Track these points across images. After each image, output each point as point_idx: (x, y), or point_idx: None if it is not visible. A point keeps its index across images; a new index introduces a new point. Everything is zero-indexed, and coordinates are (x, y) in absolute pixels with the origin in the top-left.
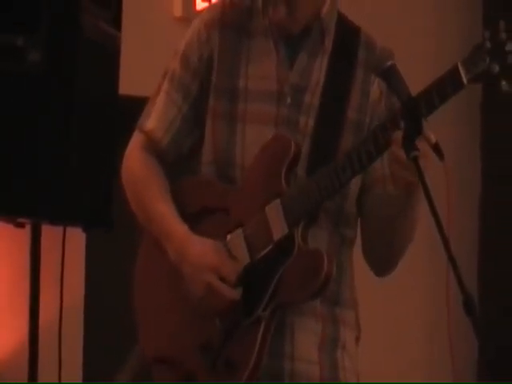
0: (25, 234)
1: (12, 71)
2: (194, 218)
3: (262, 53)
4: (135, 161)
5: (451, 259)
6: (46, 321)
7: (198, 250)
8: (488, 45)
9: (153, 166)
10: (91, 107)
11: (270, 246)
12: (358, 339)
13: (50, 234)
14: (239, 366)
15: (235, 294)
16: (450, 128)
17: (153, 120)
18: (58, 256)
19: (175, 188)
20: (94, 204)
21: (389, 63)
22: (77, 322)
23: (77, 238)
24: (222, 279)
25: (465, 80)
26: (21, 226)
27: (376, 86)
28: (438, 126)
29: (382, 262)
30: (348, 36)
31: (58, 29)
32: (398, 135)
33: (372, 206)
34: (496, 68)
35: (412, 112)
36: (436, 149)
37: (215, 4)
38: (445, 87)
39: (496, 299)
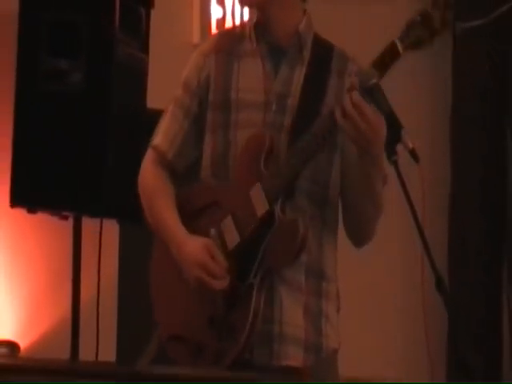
0: (68, 225)
1: (57, 90)
2: (195, 215)
3: (251, 69)
4: (147, 174)
5: (425, 245)
6: (85, 301)
7: (189, 250)
8: (418, 19)
9: (161, 178)
10: (123, 118)
11: (256, 223)
12: (338, 310)
13: (90, 225)
14: (239, 330)
15: (222, 284)
16: (424, 137)
17: (159, 137)
18: (96, 244)
19: (181, 193)
20: (127, 200)
21: (373, 81)
22: (112, 303)
23: (112, 229)
24: (210, 273)
25: (400, 50)
26: (64, 218)
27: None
28: (413, 136)
29: (357, 233)
30: (323, 50)
31: (96, 54)
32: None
33: (347, 187)
34: (426, 34)
35: (393, 123)
36: (413, 153)
37: (210, 37)
38: (384, 57)
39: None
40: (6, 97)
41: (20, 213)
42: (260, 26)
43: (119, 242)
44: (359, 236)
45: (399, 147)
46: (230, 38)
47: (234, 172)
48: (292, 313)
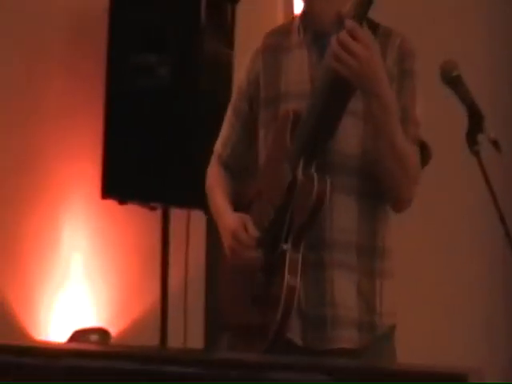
0: (156, 216)
1: (146, 85)
2: (247, 207)
3: (297, 61)
4: (210, 172)
5: (508, 236)
6: (173, 289)
7: (227, 222)
8: None
9: (219, 175)
10: (210, 112)
11: (283, 194)
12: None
13: (177, 216)
14: (278, 297)
15: (250, 253)
16: (505, 127)
17: (218, 140)
18: (184, 234)
19: (239, 188)
20: None
21: (455, 73)
22: (199, 290)
23: (199, 219)
24: (241, 243)
25: None
26: (153, 209)
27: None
28: (495, 126)
29: (387, 194)
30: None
31: (184, 49)
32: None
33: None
34: None
35: (475, 114)
36: (495, 144)
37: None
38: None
39: None
40: (97, 93)
41: (111, 204)
42: (306, 16)
43: (206, 232)
44: (391, 198)
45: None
46: (278, 35)
47: (271, 151)
48: (344, 294)
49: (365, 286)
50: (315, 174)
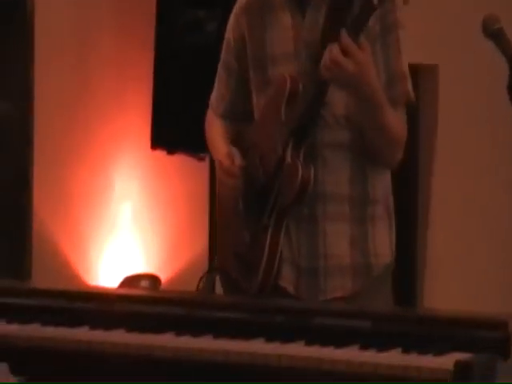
0: (204, 166)
1: (194, 40)
2: (243, 154)
3: (280, 21)
4: (207, 123)
5: None
6: None
7: (220, 151)
8: None
9: (216, 122)
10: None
11: (270, 168)
12: (391, 226)
13: None
14: (257, 267)
15: (234, 182)
16: None
17: (213, 94)
18: None
19: (239, 131)
20: None
21: (496, 26)
22: None
23: None
24: (225, 170)
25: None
26: (201, 159)
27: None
28: None
29: (376, 159)
30: None
31: (231, 4)
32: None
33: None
34: None
35: None
36: None
37: None
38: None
39: None
40: (147, 47)
41: (160, 155)
42: None
43: None
44: (375, 160)
45: None
46: None
47: (262, 117)
48: (337, 245)
49: (357, 234)
50: (300, 164)
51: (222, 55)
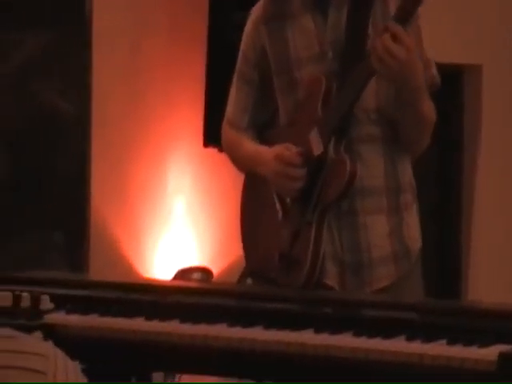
0: None
1: None
2: None
3: (302, 25)
4: (226, 138)
5: None
6: None
7: (267, 153)
8: None
9: (238, 135)
10: None
11: (312, 165)
12: (417, 211)
13: None
14: (301, 264)
15: (299, 172)
16: None
17: (230, 109)
18: None
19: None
20: None
21: None
22: None
23: None
24: (287, 163)
25: None
26: None
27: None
28: None
29: (405, 147)
30: None
31: None
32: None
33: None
34: None
35: None
36: None
37: (258, 4)
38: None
39: None
40: (200, 43)
41: (212, 152)
42: None
43: None
44: (405, 150)
45: None
46: (278, 1)
47: (296, 117)
48: (377, 236)
49: (394, 223)
50: (347, 157)
51: (240, 68)
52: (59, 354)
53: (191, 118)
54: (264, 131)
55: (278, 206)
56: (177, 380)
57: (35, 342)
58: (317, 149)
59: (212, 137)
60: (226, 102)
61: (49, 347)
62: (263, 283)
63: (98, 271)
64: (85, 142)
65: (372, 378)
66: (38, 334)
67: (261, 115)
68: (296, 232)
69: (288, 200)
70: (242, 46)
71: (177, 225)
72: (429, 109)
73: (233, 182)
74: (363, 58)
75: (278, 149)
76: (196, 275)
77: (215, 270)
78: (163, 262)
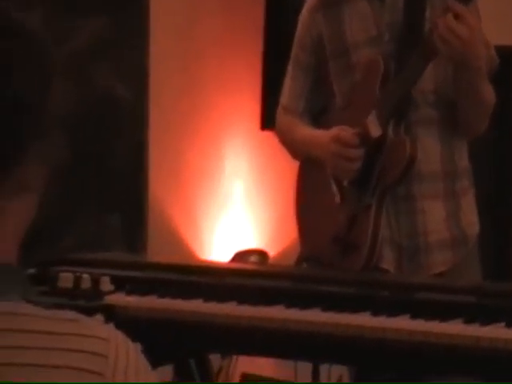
0: None
1: None
2: None
3: (359, 9)
4: (280, 121)
5: None
6: None
7: (324, 136)
8: None
9: (293, 123)
10: None
11: (371, 148)
12: (474, 195)
13: None
14: (359, 248)
15: (356, 152)
16: None
17: (286, 97)
18: None
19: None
20: None
21: None
22: None
23: None
24: (345, 144)
25: None
26: None
27: None
28: None
29: (463, 129)
30: None
31: None
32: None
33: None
34: None
35: None
36: None
37: None
38: None
39: None
40: (256, 28)
41: (269, 135)
42: None
43: None
44: (463, 133)
45: None
46: None
47: (353, 99)
48: (435, 221)
49: (451, 208)
50: (407, 139)
51: (295, 55)
52: (120, 336)
53: (248, 101)
54: (319, 118)
55: (334, 189)
56: (234, 361)
57: (97, 325)
58: (375, 131)
59: (269, 120)
60: (283, 84)
61: (110, 330)
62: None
63: (156, 254)
64: (142, 126)
65: (429, 361)
66: (100, 317)
67: (316, 102)
68: (354, 215)
69: (345, 183)
70: (298, 33)
71: (234, 208)
72: (488, 90)
73: (290, 165)
74: (421, 39)
75: (334, 130)
76: (253, 258)
77: (272, 253)
78: (221, 244)
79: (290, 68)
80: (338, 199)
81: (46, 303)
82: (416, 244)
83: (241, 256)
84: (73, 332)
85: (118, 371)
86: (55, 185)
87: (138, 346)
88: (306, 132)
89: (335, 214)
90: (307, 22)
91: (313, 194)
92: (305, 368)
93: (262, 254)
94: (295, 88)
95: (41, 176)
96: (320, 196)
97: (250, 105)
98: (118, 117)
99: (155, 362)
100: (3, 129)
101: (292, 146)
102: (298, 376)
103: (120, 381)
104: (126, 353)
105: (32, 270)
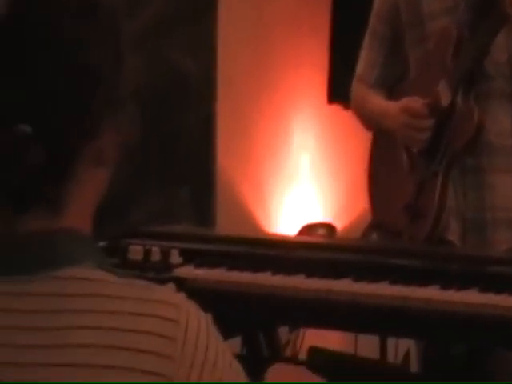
0: None
1: None
2: None
3: None
4: (354, 91)
5: None
6: None
7: (394, 107)
8: None
9: (366, 93)
10: None
11: (441, 115)
12: None
13: None
14: (426, 216)
15: (426, 123)
16: None
17: (361, 67)
18: None
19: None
20: None
21: None
22: None
23: None
24: (414, 115)
25: None
26: None
27: None
28: None
29: None
30: None
31: None
32: None
33: None
34: None
35: None
36: None
37: None
38: None
39: None
40: (323, 1)
41: (336, 109)
42: None
43: None
44: None
45: None
46: None
47: (424, 68)
48: (504, 197)
49: None
50: (476, 108)
51: (372, 25)
52: (192, 304)
53: (315, 75)
54: (393, 89)
55: (404, 158)
56: (301, 335)
57: (168, 291)
58: (445, 99)
59: (336, 93)
60: (350, 57)
61: (181, 297)
62: (388, 236)
63: (224, 227)
64: (211, 100)
65: (498, 334)
66: (172, 286)
67: (390, 73)
68: (422, 183)
69: (415, 152)
70: (375, 3)
71: (301, 181)
72: None
73: (356, 138)
74: (495, 7)
75: (404, 101)
76: (320, 231)
77: (339, 226)
78: (288, 218)
79: (366, 38)
80: (407, 167)
81: (118, 273)
82: (482, 218)
83: (308, 229)
84: (144, 297)
85: (190, 336)
86: (126, 159)
87: (209, 316)
88: (378, 102)
89: (406, 182)
90: None
91: (385, 164)
92: (372, 342)
93: (329, 227)
94: (370, 58)
95: (114, 150)
96: (392, 165)
97: (316, 78)
98: (186, 91)
99: (224, 334)
100: (80, 102)
101: (364, 116)
102: (367, 350)
103: (191, 346)
104: (198, 319)
105: (103, 243)
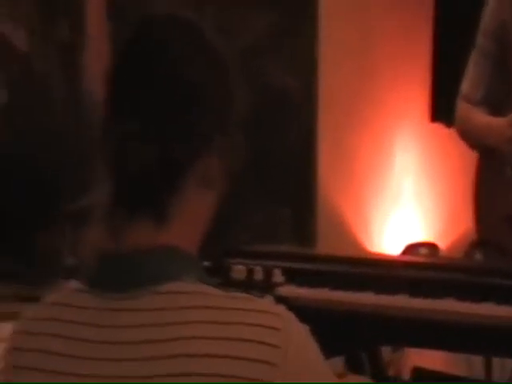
0: None
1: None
2: None
3: None
4: (458, 109)
5: None
6: None
7: (501, 121)
8: None
9: (471, 112)
10: None
11: None
12: None
13: None
14: None
15: None
16: None
17: (466, 85)
18: None
19: None
20: None
21: None
22: None
23: None
24: None
25: None
26: None
27: None
28: None
29: None
30: None
31: None
32: None
33: None
34: None
35: None
36: None
37: None
38: None
39: None
40: (426, 18)
41: (439, 127)
42: None
43: None
44: None
45: None
46: None
47: None
48: None
49: None
50: None
51: (479, 41)
52: (292, 314)
53: (418, 93)
54: (500, 107)
55: (509, 173)
56: (404, 354)
57: (269, 302)
58: None
59: (440, 112)
60: (453, 76)
61: (281, 308)
62: (493, 255)
63: (325, 247)
64: (312, 118)
65: None
66: (270, 297)
67: (496, 90)
68: None
69: None
70: (483, 19)
71: (404, 201)
72: None
73: (460, 157)
74: None
75: (506, 120)
76: (423, 250)
77: (442, 246)
78: (391, 238)
79: (472, 55)
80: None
81: (219, 287)
82: None
83: (411, 249)
84: (248, 308)
85: (292, 344)
86: (231, 179)
87: (307, 327)
88: (483, 120)
89: (510, 196)
90: (493, 7)
91: (490, 182)
92: (477, 361)
93: (432, 247)
94: (476, 75)
95: (220, 174)
96: (497, 184)
97: (419, 97)
98: (288, 108)
99: (326, 353)
100: (193, 123)
101: (468, 133)
102: (472, 369)
103: (294, 353)
104: (298, 328)
105: (206, 263)
